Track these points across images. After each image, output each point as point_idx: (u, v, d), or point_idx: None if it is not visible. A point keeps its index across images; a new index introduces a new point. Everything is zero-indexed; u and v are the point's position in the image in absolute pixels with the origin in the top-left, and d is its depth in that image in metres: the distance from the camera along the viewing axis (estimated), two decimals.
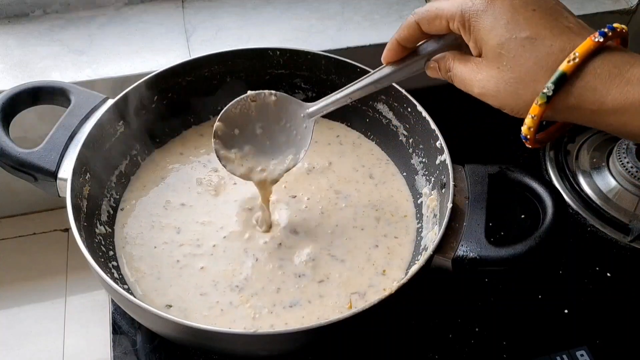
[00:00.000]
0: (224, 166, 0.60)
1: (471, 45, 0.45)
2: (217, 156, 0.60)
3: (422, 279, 0.53)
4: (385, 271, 0.62)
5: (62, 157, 0.59)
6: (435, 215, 0.64)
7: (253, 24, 0.83)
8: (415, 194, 0.69)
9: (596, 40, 0.39)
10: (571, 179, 0.78)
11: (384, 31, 0.82)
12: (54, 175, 0.59)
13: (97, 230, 0.62)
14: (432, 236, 0.62)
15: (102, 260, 0.59)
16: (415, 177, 0.70)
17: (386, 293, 0.50)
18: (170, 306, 0.58)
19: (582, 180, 0.78)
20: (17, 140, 0.60)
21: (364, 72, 0.70)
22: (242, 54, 0.72)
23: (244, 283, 0.60)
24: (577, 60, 0.39)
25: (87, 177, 0.61)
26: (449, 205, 0.57)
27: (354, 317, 0.49)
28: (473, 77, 0.45)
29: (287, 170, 0.60)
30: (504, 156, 0.81)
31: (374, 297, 0.59)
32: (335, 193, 0.69)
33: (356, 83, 0.55)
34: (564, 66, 0.39)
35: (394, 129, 0.72)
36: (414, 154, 0.70)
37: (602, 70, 0.39)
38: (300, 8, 0.86)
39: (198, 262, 0.62)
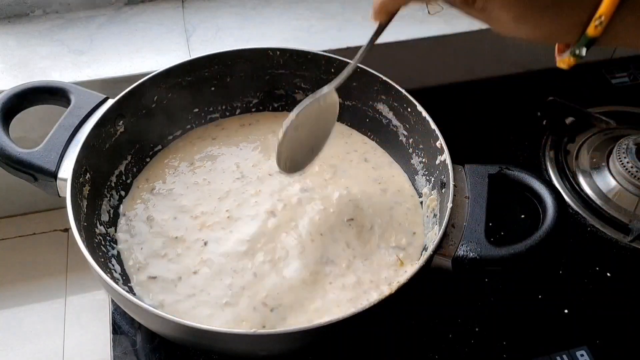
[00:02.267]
0: None
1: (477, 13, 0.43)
2: None
3: (422, 279, 0.53)
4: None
5: (62, 157, 0.59)
6: (435, 215, 0.64)
7: (253, 24, 0.83)
8: (415, 194, 0.69)
9: None
10: (571, 179, 0.78)
11: (384, 31, 0.82)
12: (54, 175, 0.59)
13: (97, 230, 0.62)
14: (432, 236, 0.62)
15: (102, 260, 0.59)
16: (415, 177, 0.70)
17: (386, 293, 0.50)
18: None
19: (582, 180, 0.78)
20: (17, 140, 0.60)
21: (364, 72, 0.71)
22: (242, 54, 0.72)
23: (246, 287, 0.60)
24: (603, 23, 0.38)
25: (87, 177, 0.61)
26: (449, 205, 0.57)
27: (354, 317, 0.49)
28: (502, 25, 0.43)
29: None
30: (504, 156, 0.81)
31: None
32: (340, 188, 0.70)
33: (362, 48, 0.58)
34: (591, 31, 0.39)
35: (394, 129, 0.72)
36: (414, 154, 0.70)
37: (631, 19, 0.38)
38: (300, 8, 0.86)
39: (198, 265, 0.62)
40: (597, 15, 0.38)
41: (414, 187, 0.70)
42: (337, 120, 0.76)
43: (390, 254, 0.63)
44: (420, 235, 0.65)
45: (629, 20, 0.38)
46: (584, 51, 0.40)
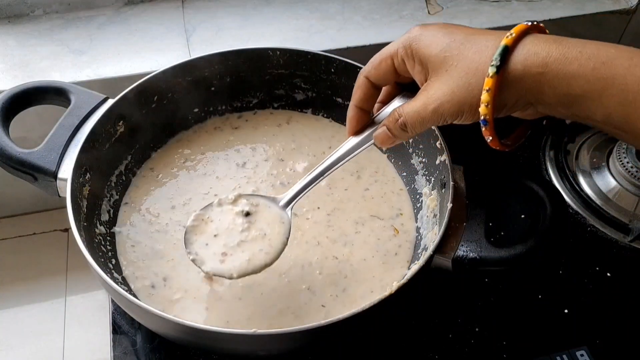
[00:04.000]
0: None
1: (417, 70, 0.49)
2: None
3: (422, 279, 0.53)
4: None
5: (62, 157, 0.59)
6: (435, 215, 0.64)
7: (253, 24, 0.83)
8: (415, 194, 0.69)
9: (525, 23, 0.45)
10: (571, 179, 0.78)
11: (384, 31, 0.82)
12: (54, 175, 0.59)
13: (97, 230, 0.62)
14: (432, 236, 0.62)
15: (102, 260, 0.59)
16: (415, 177, 0.70)
17: (386, 293, 0.50)
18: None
19: (582, 180, 0.78)
20: (17, 140, 0.60)
21: None
22: (242, 54, 0.72)
23: (247, 292, 0.60)
24: (514, 35, 0.44)
25: (87, 177, 0.61)
26: (449, 205, 0.57)
27: (354, 317, 0.49)
28: (425, 99, 0.48)
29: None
30: (504, 156, 0.81)
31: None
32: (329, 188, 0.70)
33: (324, 162, 0.57)
34: (504, 40, 0.44)
35: None
36: (414, 154, 0.70)
37: (539, 39, 0.44)
38: (300, 8, 0.86)
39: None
40: (509, 31, 0.44)
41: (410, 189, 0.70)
42: (337, 121, 0.77)
43: None
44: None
45: (535, 41, 0.44)
46: (498, 59, 0.43)
